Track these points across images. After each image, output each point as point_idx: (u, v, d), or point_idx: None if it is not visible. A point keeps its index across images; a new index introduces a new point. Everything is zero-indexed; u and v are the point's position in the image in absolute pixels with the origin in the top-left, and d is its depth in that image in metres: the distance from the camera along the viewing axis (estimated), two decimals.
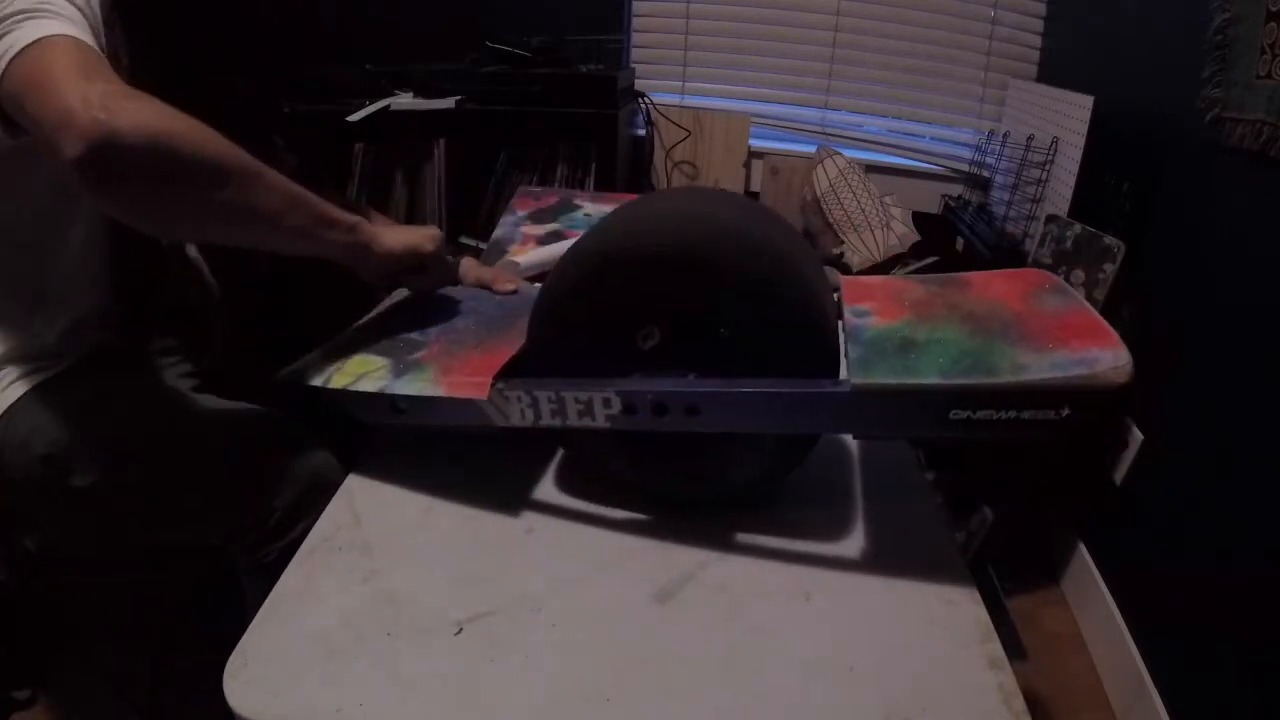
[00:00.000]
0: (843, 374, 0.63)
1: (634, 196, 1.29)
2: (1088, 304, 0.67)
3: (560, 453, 0.81)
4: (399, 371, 0.75)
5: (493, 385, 0.68)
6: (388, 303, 0.95)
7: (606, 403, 0.65)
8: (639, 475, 0.73)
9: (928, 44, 2.10)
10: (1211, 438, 1.13)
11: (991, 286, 0.73)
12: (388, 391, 0.72)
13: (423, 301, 0.92)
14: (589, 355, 0.68)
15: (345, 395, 0.74)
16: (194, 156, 0.58)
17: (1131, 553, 1.32)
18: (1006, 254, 1.66)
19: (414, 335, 0.83)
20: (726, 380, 0.63)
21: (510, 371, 0.70)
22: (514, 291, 0.92)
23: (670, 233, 0.64)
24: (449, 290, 0.93)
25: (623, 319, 0.67)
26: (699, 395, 0.63)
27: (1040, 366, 0.57)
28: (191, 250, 0.96)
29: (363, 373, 0.76)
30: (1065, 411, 0.57)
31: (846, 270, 1.87)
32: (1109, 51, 1.64)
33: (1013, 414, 0.57)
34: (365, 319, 0.91)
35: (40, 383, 0.73)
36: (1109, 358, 0.57)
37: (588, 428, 0.67)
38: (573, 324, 0.68)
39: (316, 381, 0.76)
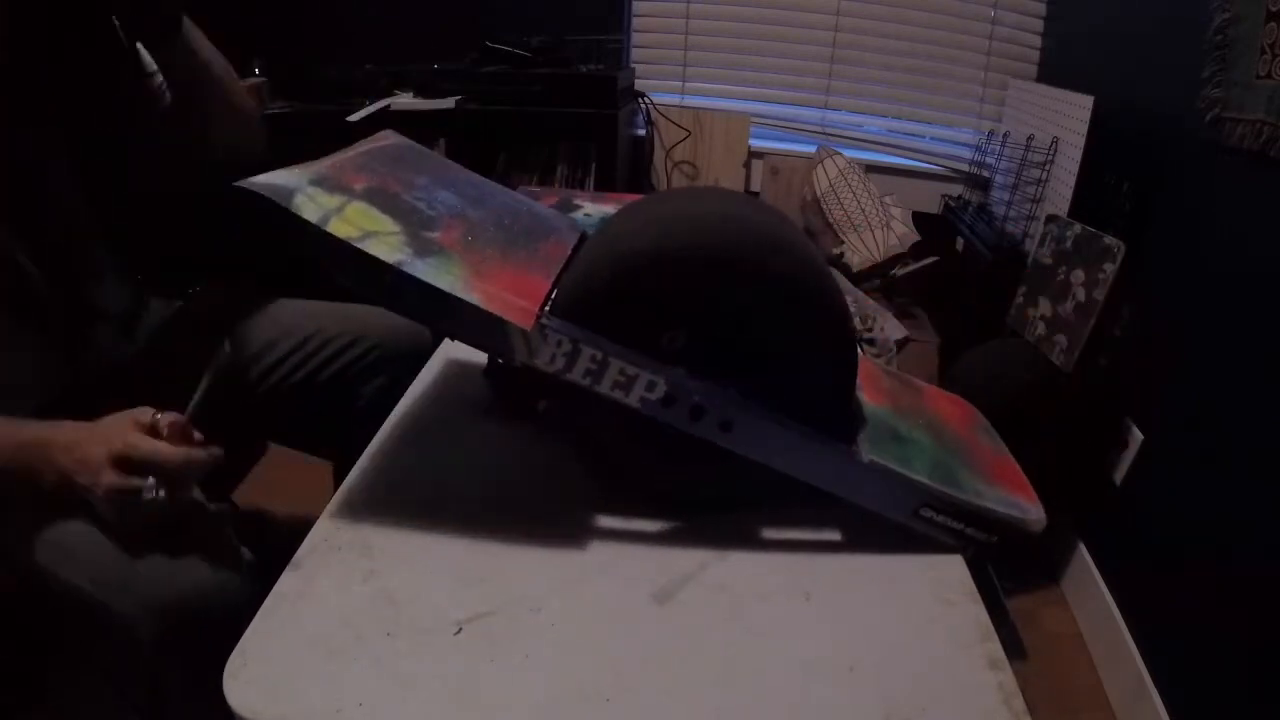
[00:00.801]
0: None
1: (635, 196, 1.29)
2: (1008, 452, 0.81)
3: (560, 452, 0.81)
4: (419, 249, 0.62)
5: (538, 317, 0.61)
6: (368, 145, 0.78)
7: (650, 386, 0.63)
8: (665, 469, 0.72)
9: (928, 44, 2.10)
10: (1211, 438, 1.13)
11: (939, 403, 0.85)
12: (406, 270, 0.59)
13: (413, 157, 0.78)
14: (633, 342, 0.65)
15: (347, 250, 0.59)
16: None
17: (1131, 553, 1.32)
18: (1006, 254, 1.66)
19: (419, 203, 0.68)
20: (776, 414, 0.64)
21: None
22: None
23: (709, 233, 0.64)
24: (437, 158, 0.80)
25: (651, 319, 0.65)
26: (739, 414, 0.64)
27: (993, 497, 0.69)
28: None
29: (370, 230, 0.62)
30: (994, 539, 0.69)
31: (846, 270, 1.87)
32: (1109, 51, 1.64)
33: (961, 527, 0.68)
34: (346, 152, 0.74)
35: None
36: (1034, 510, 0.71)
37: (613, 400, 0.64)
38: (598, 317, 0.65)
39: (309, 215, 0.59)
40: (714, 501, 0.72)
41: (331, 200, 0.62)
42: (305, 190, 0.62)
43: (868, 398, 0.75)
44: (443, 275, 0.60)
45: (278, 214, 0.59)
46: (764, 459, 0.66)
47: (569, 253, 0.73)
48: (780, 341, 0.66)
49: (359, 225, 0.61)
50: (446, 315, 0.62)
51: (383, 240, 0.61)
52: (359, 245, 0.59)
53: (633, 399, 0.64)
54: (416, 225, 0.65)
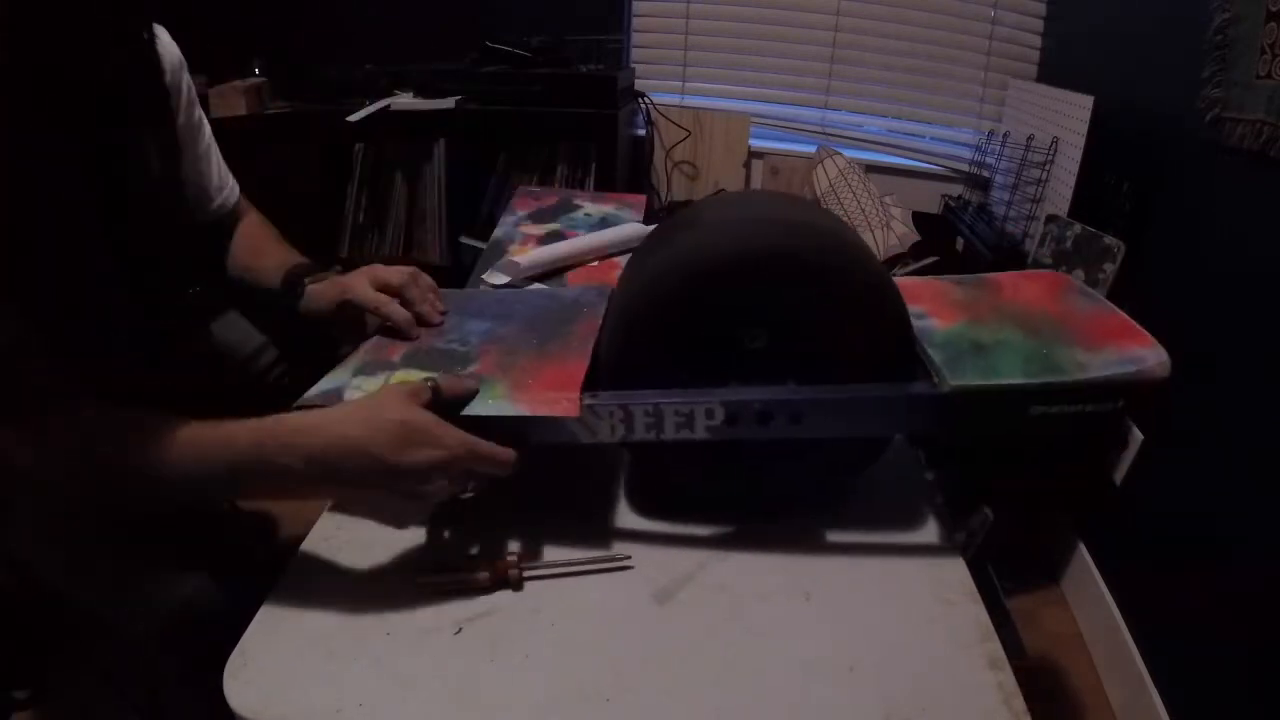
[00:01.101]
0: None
1: (636, 196, 1.29)
2: (1111, 304, 0.74)
3: (560, 452, 0.81)
4: None
5: (582, 401, 0.63)
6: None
7: (709, 413, 0.63)
8: (667, 469, 0.72)
9: (928, 44, 2.10)
10: (1211, 437, 1.13)
11: (1021, 289, 0.79)
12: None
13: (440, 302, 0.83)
14: (683, 362, 0.65)
15: None
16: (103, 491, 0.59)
17: (1131, 553, 1.32)
18: (1006, 254, 1.66)
19: (453, 345, 0.74)
20: (833, 386, 0.63)
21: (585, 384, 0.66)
22: (441, 323, 0.80)
23: (783, 237, 0.65)
24: (458, 292, 0.85)
25: (728, 322, 0.65)
26: (805, 403, 0.63)
27: (1099, 364, 0.64)
28: None
29: None
30: (1120, 403, 0.64)
31: None
32: (1109, 51, 1.64)
33: (1080, 407, 0.64)
34: (373, 337, 0.79)
35: None
36: (1152, 355, 0.65)
37: (683, 440, 0.64)
38: (670, 329, 0.66)
39: None
40: (714, 501, 0.72)
41: (375, 383, 0.69)
42: (351, 384, 0.69)
43: (940, 322, 0.72)
44: (487, 404, 0.64)
45: None
46: (845, 432, 0.65)
47: (601, 322, 0.74)
48: (839, 326, 0.66)
49: None
50: (504, 434, 0.64)
51: None
52: None
53: (699, 432, 0.64)
54: (452, 366, 0.70)
